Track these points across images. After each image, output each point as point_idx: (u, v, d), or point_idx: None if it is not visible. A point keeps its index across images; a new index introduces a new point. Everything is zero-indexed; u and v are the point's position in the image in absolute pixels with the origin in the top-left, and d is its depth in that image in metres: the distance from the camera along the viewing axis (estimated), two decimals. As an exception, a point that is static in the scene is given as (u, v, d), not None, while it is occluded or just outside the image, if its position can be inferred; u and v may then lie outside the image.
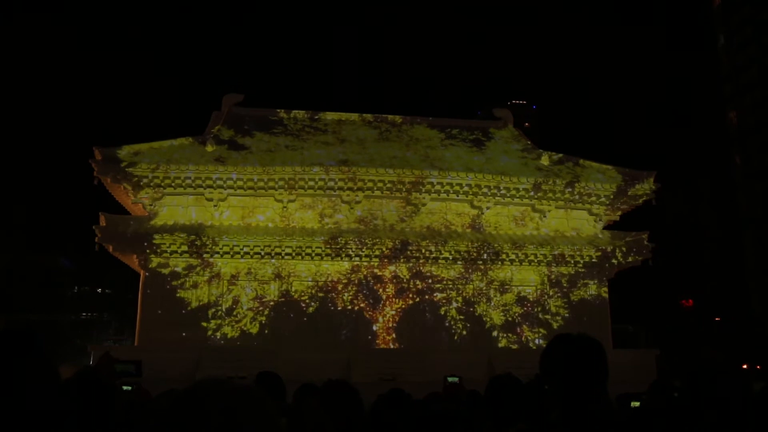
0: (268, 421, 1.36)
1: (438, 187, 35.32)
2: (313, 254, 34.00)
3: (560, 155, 38.79)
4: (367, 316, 34.68)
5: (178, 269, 33.80)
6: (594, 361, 2.83)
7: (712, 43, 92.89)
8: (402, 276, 35.08)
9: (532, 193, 36.10)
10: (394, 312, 34.93)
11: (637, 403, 6.35)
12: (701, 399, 4.12)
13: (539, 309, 35.93)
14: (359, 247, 34.06)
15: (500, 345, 34.82)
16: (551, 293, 36.27)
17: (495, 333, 35.35)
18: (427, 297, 35.26)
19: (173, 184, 33.87)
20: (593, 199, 37.05)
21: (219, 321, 33.47)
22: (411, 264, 34.99)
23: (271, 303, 34.14)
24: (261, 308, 34.05)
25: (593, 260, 36.15)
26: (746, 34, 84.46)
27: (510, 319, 35.70)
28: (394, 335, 34.61)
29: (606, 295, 37.06)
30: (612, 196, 37.19)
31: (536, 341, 34.94)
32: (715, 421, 3.88)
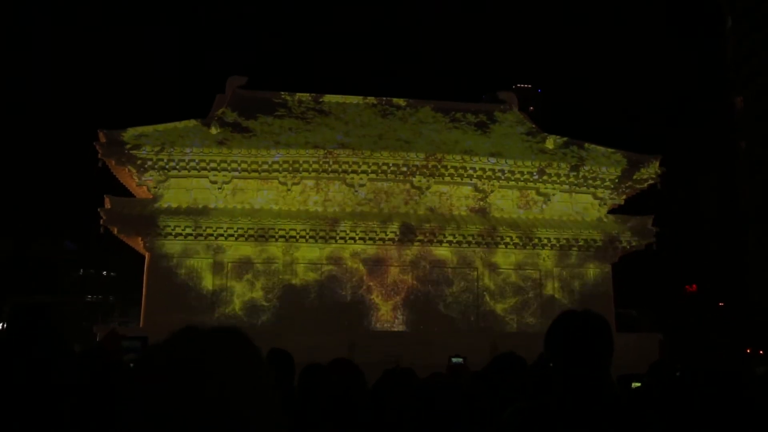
0: (245, 371, 1.30)
1: (442, 170, 35.26)
2: (317, 237, 34.06)
3: (565, 139, 38.66)
4: (371, 299, 34.79)
5: (183, 251, 33.92)
6: (598, 338, 2.83)
7: (719, 27, 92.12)
8: (406, 259, 35.14)
9: (536, 177, 36.05)
10: (398, 295, 35.04)
11: (638, 384, 6.37)
12: (704, 380, 4.15)
13: (543, 292, 36.00)
14: (363, 230, 34.10)
15: (504, 328, 34.92)
16: (555, 277, 36.31)
17: (498, 316, 35.45)
18: (431, 280, 35.35)
19: (177, 167, 33.90)
20: (598, 182, 36.98)
21: (223, 303, 33.63)
22: (415, 247, 35.04)
23: (275, 286, 34.26)
24: (265, 291, 34.18)
25: (597, 244, 36.15)
26: (755, 18, 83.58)
27: (514, 302, 35.79)
28: (397, 318, 34.74)
29: (610, 279, 37.10)
30: (617, 180, 37.11)
31: (539, 324, 35.01)
32: (717, 402, 3.91)
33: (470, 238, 34.96)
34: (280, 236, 33.90)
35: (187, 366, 1.24)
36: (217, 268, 34.07)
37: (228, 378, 1.23)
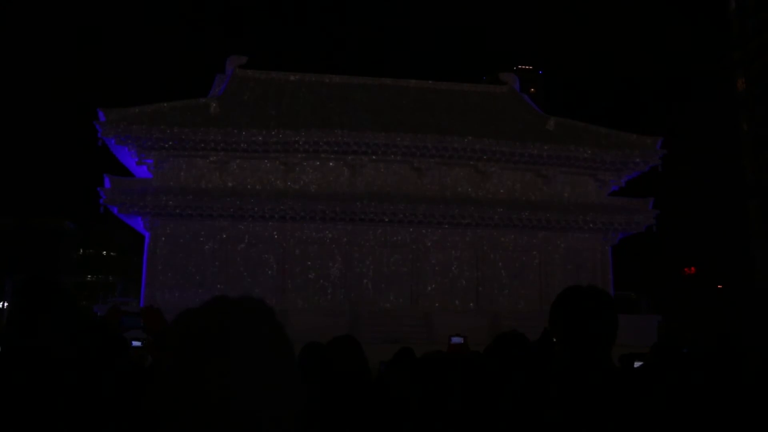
0: (268, 342, 1.36)
1: (443, 151, 35.19)
2: (317, 217, 34.07)
3: (566, 120, 38.57)
4: (372, 278, 34.86)
5: (183, 231, 33.93)
6: (602, 313, 2.83)
7: (722, 8, 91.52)
8: (407, 239, 35.18)
9: (536, 158, 35.96)
10: (398, 275, 35.12)
11: (640, 362, 6.40)
12: (711, 358, 4.16)
13: (542, 273, 36.08)
14: (364, 210, 34.10)
15: (503, 308, 35.02)
16: (554, 258, 36.38)
17: (498, 296, 35.57)
18: (431, 260, 35.43)
19: (178, 146, 33.80)
20: (598, 164, 36.90)
21: (223, 282, 33.67)
22: (416, 227, 35.06)
23: (275, 265, 34.33)
24: (265, 270, 34.25)
25: (597, 226, 36.16)
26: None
27: (514, 282, 35.89)
28: (399, 297, 34.85)
29: (609, 261, 37.17)
30: (617, 162, 37.03)
31: (539, 305, 35.14)
32: (722, 380, 3.92)
33: (470, 220, 34.96)
34: (280, 216, 33.91)
35: (211, 333, 1.30)
36: (217, 247, 34.11)
37: (252, 348, 1.29)
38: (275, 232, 34.45)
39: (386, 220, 34.56)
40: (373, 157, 35.07)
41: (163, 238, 33.86)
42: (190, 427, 1.19)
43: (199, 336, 1.29)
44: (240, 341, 1.30)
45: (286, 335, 1.40)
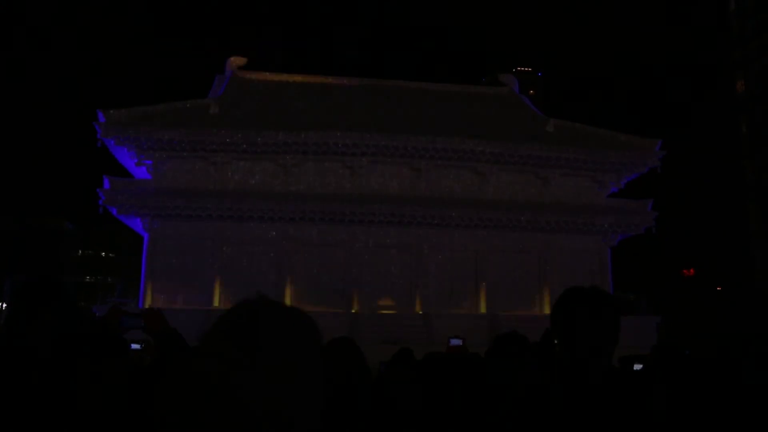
0: (303, 347, 1.36)
1: (441, 153, 35.19)
2: (316, 219, 34.06)
3: (565, 122, 38.56)
4: (372, 279, 34.84)
5: (182, 232, 33.90)
6: (605, 314, 2.81)
7: (722, 8, 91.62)
8: (405, 241, 35.15)
9: (535, 160, 35.96)
10: (398, 276, 35.10)
11: (640, 365, 6.40)
12: (714, 359, 4.15)
13: (541, 274, 36.06)
14: (363, 212, 34.08)
15: (502, 310, 35.01)
16: (553, 259, 36.35)
17: (498, 297, 35.53)
18: (431, 261, 35.40)
19: (177, 148, 33.79)
20: (597, 166, 36.90)
21: (222, 283, 33.65)
22: (415, 229, 35.04)
23: (274, 266, 34.30)
24: (263, 271, 34.21)
25: (596, 227, 36.16)
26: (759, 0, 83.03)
27: (513, 284, 35.86)
28: (398, 298, 34.82)
29: (608, 263, 37.14)
30: (617, 164, 37.03)
31: (538, 307, 35.15)
32: (725, 381, 3.92)
33: (469, 221, 34.95)
34: (279, 217, 33.90)
35: (242, 322, 1.36)
36: (216, 248, 34.09)
37: (277, 345, 1.33)
38: (274, 234, 34.42)
39: (385, 221, 34.54)
40: (373, 158, 35.07)
41: (162, 240, 33.83)
42: (211, 416, 1.20)
43: (231, 323, 1.34)
44: (268, 336, 1.33)
45: (317, 347, 1.43)
